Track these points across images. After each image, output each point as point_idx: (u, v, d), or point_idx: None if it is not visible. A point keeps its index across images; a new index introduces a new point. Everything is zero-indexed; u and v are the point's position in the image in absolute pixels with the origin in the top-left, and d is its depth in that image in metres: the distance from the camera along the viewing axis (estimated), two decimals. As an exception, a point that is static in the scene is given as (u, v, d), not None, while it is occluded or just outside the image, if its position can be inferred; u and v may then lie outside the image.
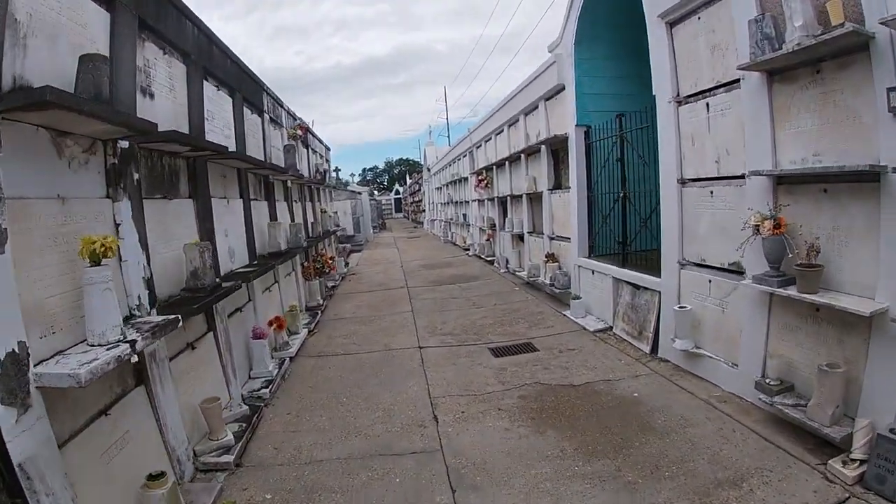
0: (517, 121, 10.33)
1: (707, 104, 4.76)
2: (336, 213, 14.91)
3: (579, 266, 7.61)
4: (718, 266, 4.76)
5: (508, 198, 11.34)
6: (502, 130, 11.64)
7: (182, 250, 4.00)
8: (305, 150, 10.55)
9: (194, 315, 3.91)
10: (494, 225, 13.17)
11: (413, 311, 8.50)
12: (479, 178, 13.51)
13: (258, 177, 6.64)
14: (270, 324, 6.12)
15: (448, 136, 40.80)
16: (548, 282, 8.34)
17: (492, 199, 13.22)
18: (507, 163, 11.30)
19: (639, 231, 6.44)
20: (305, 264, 8.86)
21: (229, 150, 4.66)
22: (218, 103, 5.27)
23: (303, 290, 8.50)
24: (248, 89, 6.31)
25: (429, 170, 30.66)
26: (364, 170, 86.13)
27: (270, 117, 7.45)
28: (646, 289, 5.94)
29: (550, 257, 8.49)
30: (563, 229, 8.32)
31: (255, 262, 5.92)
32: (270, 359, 5.71)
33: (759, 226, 3.77)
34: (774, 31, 3.70)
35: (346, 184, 27.79)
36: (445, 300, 9.21)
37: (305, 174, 10.04)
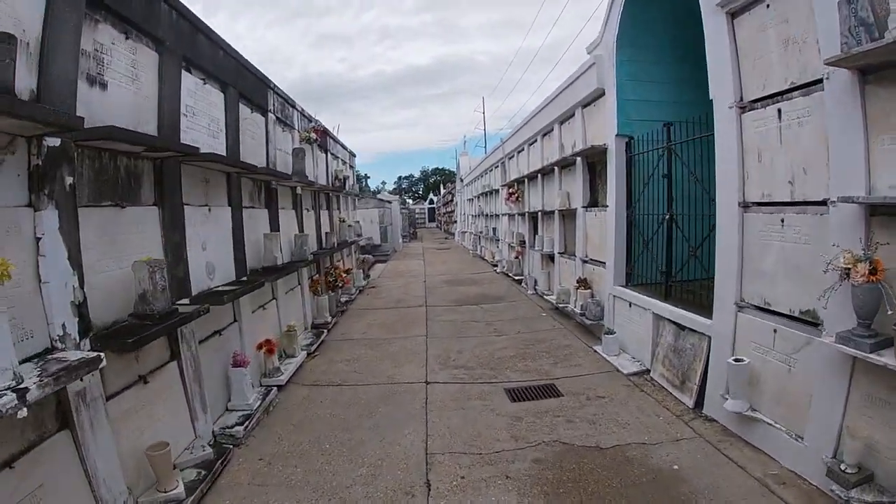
0: (551, 130, 9.51)
1: (779, 111, 3.88)
2: (358, 222, 14.31)
3: (614, 296, 6.72)
4: (787, 313, 3.86)
5: (540, 214, 10.51)
6: (535, 141, 10.83)
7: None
8: (324, 155, 9.97)
9: (130, 350, 3.23)
10: (524, 242, 12.34)
11: (428, 335, 7.74)
12: (510, 190, 12.71)
13: (257, 183, 6.02)
14: (260, 347, 5.48)
15: (485, 147, 40.22)
16: (578, 310, 7.46)
17: (522, 215, 12.40)
18: (539, 176, 10.49)
19: (687, 261, 5.53)
20: (315, 277, 8.22)
21: (202, 151, 4.00)
22: (203, 98, 4.65)
23: (309, 306, 7.85)
24: (247, 85, 5.71)
25: (461, 180, 29.96)
26: (399, 178, 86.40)
27: (278, 118, 6.84)
28: (692, 331, 5.04)
29: (582, 283, 7.62)
30: (597, 252, 7.44)
31: (245, 279, 5.27)
32: (253, 388, 5.04)
33: (849, 269, 2.92)
34: (873, 16, 2.86)
35: (377, 191, 27.35)
36: (465, 324, 8.42)
37: (322, 181, 9.45)
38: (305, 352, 6.60)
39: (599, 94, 7.00)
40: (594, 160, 7.69)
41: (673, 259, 5.79)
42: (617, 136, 6.55)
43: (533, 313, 9.06)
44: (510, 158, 14.09)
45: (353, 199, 13.97)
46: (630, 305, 6.28)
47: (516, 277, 12.70)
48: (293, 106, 7.61)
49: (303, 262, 6.84)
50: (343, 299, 9.78)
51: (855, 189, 3.13)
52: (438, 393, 5.33)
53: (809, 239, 3.62)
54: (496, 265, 15.59)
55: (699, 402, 4.75)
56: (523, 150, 12.17)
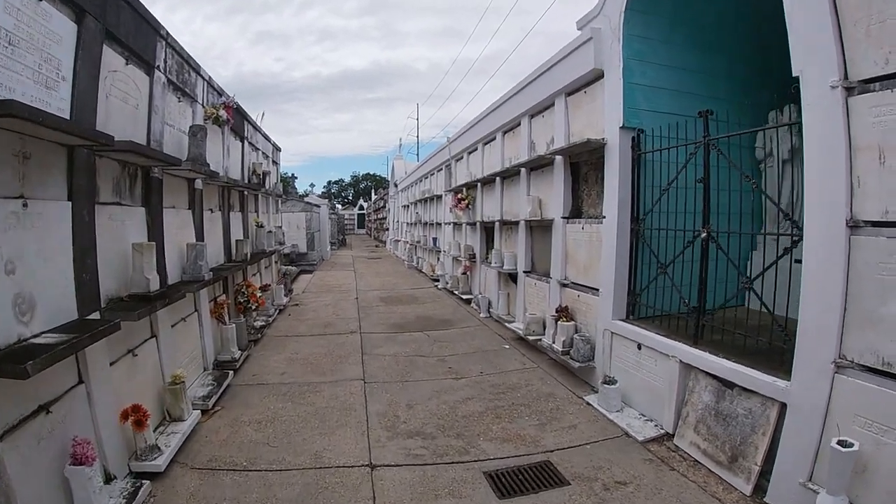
0: (517, 125, 8.07)
1: None
2: (281, 227, 12.29)
3: (612, 332, 5.30)
4: None
5: (497, 224, 9.03)
6: (493, 139, 9.36)
7: None
8: (240, 144, 8.04)
9: None
10: (474, 256, 10.84)
11: (365, 377, 6.00)
12: (458, 197, 11.18)
13: (128, 168, 4.11)
14: (125, 416, 3.61)
15: (417, 154, 38.93)
16: (559, 347, 5.97)
17: (472, 224, 10.91)
18: (497, 180, 9.04)
19: (735, 294, 4.17)
20: (220, 299, 6.28)
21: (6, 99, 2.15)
22: (34, 20, 2.81)
23: (210, 338, 5.90)
24: (121, 21, 3.86)
25: (395, 185, 28.20)
26: (329, 182, 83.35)
27: (171, 80, 4.95)
28: (751, 392, 3.69)
29: (563, 313, 6.14)
30: (584, 275, 6.01)
31: (92, 315, 3.38)
32: (110, 486, 3.16)
33: None
34: None
35: (305, 194, 25.20)
36: (411, 360, 6.74)
37: (235, 174, 7.51)
38: (200, 409, 4.73)
39: (595, 78, 5.62)
40: (579, 160, 6.30)
41: (706, 290, 4.40)
42: (622, 128, 5.16)
43: (493, 344, 7.52)
44: (458, 160, 12.59)
45: (275, 200, 11.92)
46: (640, 347, 4.86)
47: (464, 296, 11.17)
48: (197, 71, 5.69)
49: (197, 282, 4.94)
50: (258, 324, 7.83)
51: None
52: (390, 487, 3.65)
53: None
54: (437, 280, 14.01)
55: (759, 488, 3.47)
56: (476, 150, 10.69)
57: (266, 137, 10.24)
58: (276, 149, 11.66)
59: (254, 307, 7.21)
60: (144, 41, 4.37)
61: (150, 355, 4.33)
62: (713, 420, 3.94)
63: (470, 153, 11.38)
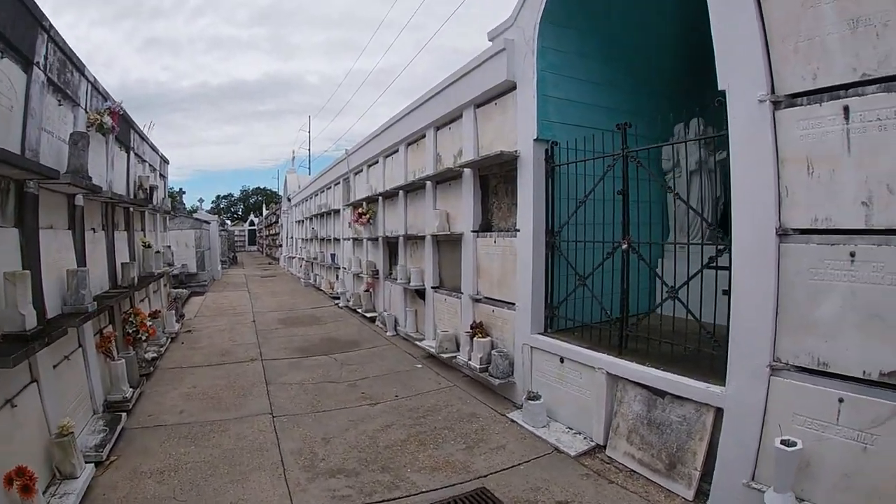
0: (422, 137, 7.91)
1: (845, 108, 2.83)
2: (169, 246, 11.16)
3: (532, 347, 5.23)
4: (861, 377, 2.79)
5: (401, 239, 8.77)
6: (396, 151, 9.14)
7: None
8: (126, 155, 7.13)
9: None
10: (377, 272, 10.49)
11: (273, 411, 5.44)
12: (359, 211, 10.78)
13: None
14: (9, 481, 2.93)
15: (309, 168, 37.86)
16: (477, 364, 5.80)
17: (374, 239, 10.56)
18: (400, 193, 8.81)
19: (660, 304, 4.22)
20: (107, 332, 5.45)
21: None
22: None
23: (98, 377, 5.08)
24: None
25: (289, 200, 27.01)
26: (218, 197, 78.72)
27: (52, 80, 4.21)
28: (684, 399, 3.75)
29: (478, 329, 5.99)
30: (499, 289, 5.92)
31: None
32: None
33: None
34: None
35: (194, 210, 23.39)
36: (320, 387, 6.26)
37: (120, 189, 6.63)
38: (94, 461, 4.04)
39: (507, 89, 5.61)
40: (488, 173, 6.23)
41: (629, 300, 4.42)
42: (536, 140, 5.14)
43: (405, 365, 7.21)
44: (357, 173, 12.22)
45: (163, 217, 10.80)
46: (562, 361, 4.82)
47: (367, 314, 10.75)
48: (81, 71, 4.91)
49: (80, 315, 4.20)
50: (149, 356, 6.92)
51: None
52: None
53: None
54: (338, 298, 13.46)
55: (701, 492, 3.52)
56: (378, 162, 10.39)
57: (154, 148, 9.27)
58: (164, 161, 10.61)
59: (144, 337, 6.35)
60: (26, 32, 3.68)
61: (31, 403, 3.59)
62: (646, 429, 3.95)
63: (370, 166, 11.05)
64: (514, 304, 5.54)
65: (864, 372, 2.77)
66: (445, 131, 7.17)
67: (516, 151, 5.36)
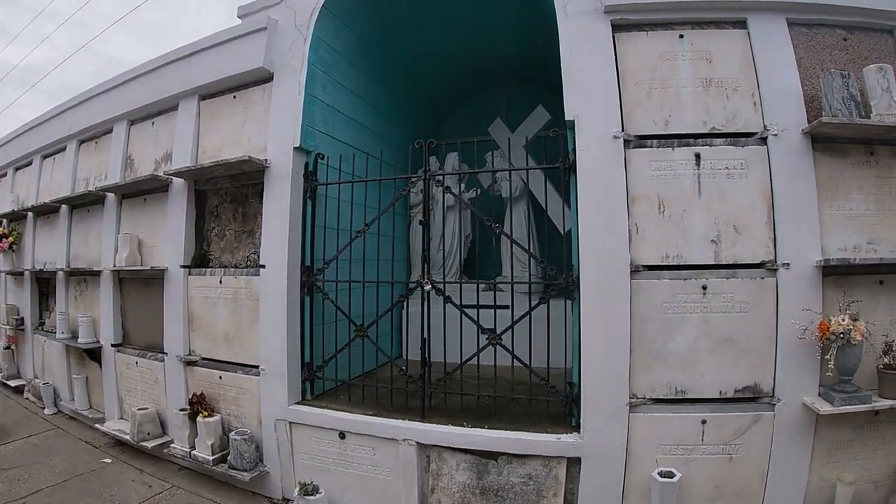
0: (108, 132, 5.62)
1: (696, 156, 3.14)
2: None
3: (290, 423, 3.94)
4: (718, 397, 3.11)
5: (62, 274, 6.03)
6: (63, 149, 6.39)
7: None
8: None
9: None
10: (22, 321, 7.12)
11: None
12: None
13: None
14: None
15: None
16: (209, 455, 4.05)
17: (18, 274, 7.14)
18: (64, 209, 6.06)
19: (483, 347, 3.61)
20: None
21: None
22: None
23: None
24: None
25: None
26: None
27: None
28: (525, 457, 3.29)
29: (201, 404, 4.29)
30: (229, 347, 4.36)
31: None
32: None
33: (843, 332, 2.75)
34: (860, 97, 3.03)
35: None
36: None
37: None
38: None
39: (255, 81, 4.32)
40: (209, 188, 4.71)
41: (430, 351, 3.71)
42: (297, 149, 4.03)
43: (87, 461, 4.61)
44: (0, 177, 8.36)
45: None
46: (342, 436, 3.72)
47: (10, 382, 6.94)
48: None
49: None
50: None
51: (809, 251, 3.02)
52: None
53: (747, 306, 3.09)
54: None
55: None
56: (32, 164, 7.13)
57: None
58: None
59: None
60: None
61: None
62: (480, 499, 3.36)
63: (18, 169, 7.62)
64: (256, 367, 4.12)
65: (721, 392, 3.07)
66: (146, 127, 5.15)
67: (266, 161, 4.09)
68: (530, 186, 4.01)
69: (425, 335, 3.72)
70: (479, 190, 5.59)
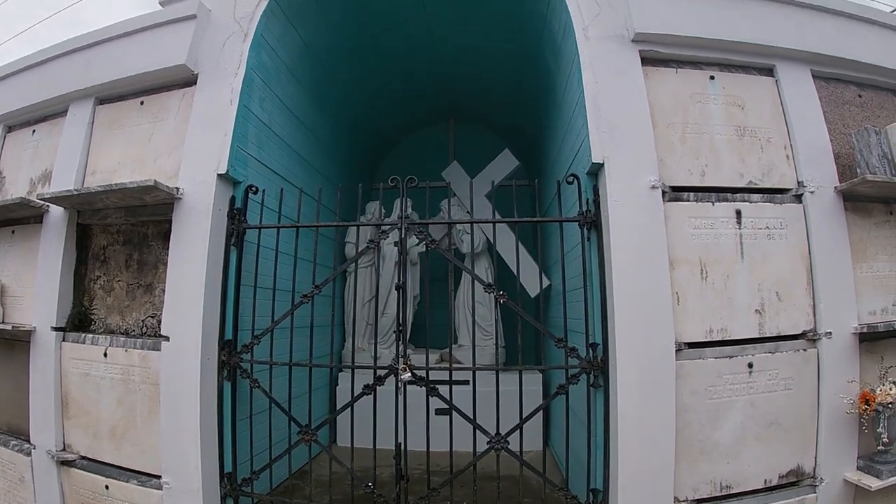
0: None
1: (738, 213, 2.80)
2: None
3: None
4: (763, 486, 2.70)
5: None
6: None
7: None
8: None
9: None
10: None
11: None
12: None
13: None
14: None
15: None
16: None
17: None
18: None
19: (487, 449, 2.93)
20: None
21: None
22: None
23: None
24: None
25: None
26: None
27: None
28: None
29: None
30: (116, 445, 3.10)
31: None
32: None
33: (893, 402, 2.51)
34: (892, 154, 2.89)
35: None
36: None
37: None
38: None
39: (173, 83, 3.38)
40: (96, 222, 3.59)
41: (405, 461, 2.95)
42: (222, 177, 3.11)
43: None
44: None
45: None
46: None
47: None
48: None
49: None
50: None
51: (847, 317, 2.76)
52: None
53: (791, 383, 2.74)
54: None
55: None
56: None
57: None
58: None
59: None
60: None
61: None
62: None
63: None
64: (157, 476, 3.06)
65: (766, 480, 2.70)
66: (25, 136, 3.95)
67: (177, 190, 3.11)
68: (496, 244, 3.47)
69: (400, 440, 2.93)
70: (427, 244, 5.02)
